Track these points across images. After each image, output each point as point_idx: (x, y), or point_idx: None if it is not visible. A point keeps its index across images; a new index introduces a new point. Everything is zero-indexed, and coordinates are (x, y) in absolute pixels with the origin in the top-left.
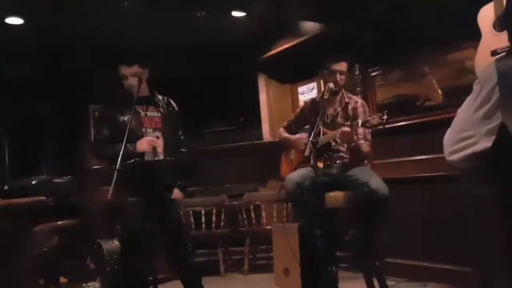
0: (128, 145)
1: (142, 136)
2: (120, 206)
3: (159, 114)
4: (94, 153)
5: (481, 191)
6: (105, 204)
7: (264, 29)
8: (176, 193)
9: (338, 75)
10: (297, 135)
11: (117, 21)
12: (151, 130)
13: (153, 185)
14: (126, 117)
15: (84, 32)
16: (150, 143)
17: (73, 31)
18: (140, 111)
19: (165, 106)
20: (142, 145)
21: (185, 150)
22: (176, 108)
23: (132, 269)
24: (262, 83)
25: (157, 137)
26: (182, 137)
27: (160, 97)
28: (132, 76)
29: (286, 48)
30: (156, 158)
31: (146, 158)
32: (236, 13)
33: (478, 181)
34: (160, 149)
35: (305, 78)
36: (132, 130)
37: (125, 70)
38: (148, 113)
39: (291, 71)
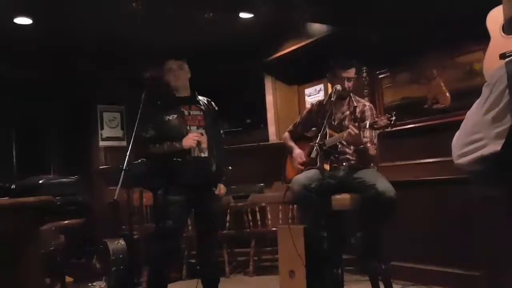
0: (174, 142)
1: (186, 134)
2: (167, 202)
3: (201, 112)
4: (142, 152)
5: (490, 194)
6: (112, 204)
7: (272, 30)
8: (222, 188)
9: (346, 82)
10: (298, 152)
11: (125, 22)
12: (195, 127)
13: (201, 180)
14: (171, 116)
15: (92, 32)
16: (194, 138)
17: (81, 31)
18: (184, 110)
19: (206, 106)
20: (188, 141)
21: (225, 147)
22: (216, 108)
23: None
24: (269, 84)
25: (201, 134)
26: (223, 136)
27: (200, 97)
28: (179, 69)
29: (293, 50)
30: (202, 154)
31: (192, 155)
32: (243, 15)
33: (487, 184)
34: (204, 145)
35: (312, 80)
36: (177, 128)
37: (172, 64)
38: (192, 112)
39: (298, 73)
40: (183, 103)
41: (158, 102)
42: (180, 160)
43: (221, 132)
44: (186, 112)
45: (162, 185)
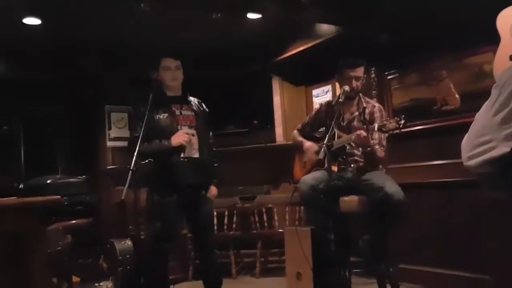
0: (163, 141)
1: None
2: (156, 203)
3: (193, 113)
4: (129, 151)
5: (499, 196)
6: (119, 205)
7: (279, 31)
8: (213, 190)
9: (354, 81)
10: (309, 143)
11: (133, 23)
12: (186, 127)
13: (193, 181)
14: (161, 115)
15: (100, 33)
16: (185, 136)
17: (89, 31)
18: (175, 109)
19: (197, 106)
20: (177, 138)
21: (215, 149)
22: (207, 109)
23: (156, 267)
24: (276, 85)
25: (193, 134)
26: (212, 137)
27: (191, 98)
28: (176, 69)
29: (301, 51)
30: (194, 155)
31: (182, 155)
32: (251, 15)
33: (496, 186)
34: (195, 146)
35: (320, 80)
36: (167, 128)
37: (170, 62)
38: (183, 112)
39: (305, 74)
40: (174, 102)
41: (149, 100)
42: (171, 160)
43: (211, 133)
44: (177, 112)
45: (155, 186)
